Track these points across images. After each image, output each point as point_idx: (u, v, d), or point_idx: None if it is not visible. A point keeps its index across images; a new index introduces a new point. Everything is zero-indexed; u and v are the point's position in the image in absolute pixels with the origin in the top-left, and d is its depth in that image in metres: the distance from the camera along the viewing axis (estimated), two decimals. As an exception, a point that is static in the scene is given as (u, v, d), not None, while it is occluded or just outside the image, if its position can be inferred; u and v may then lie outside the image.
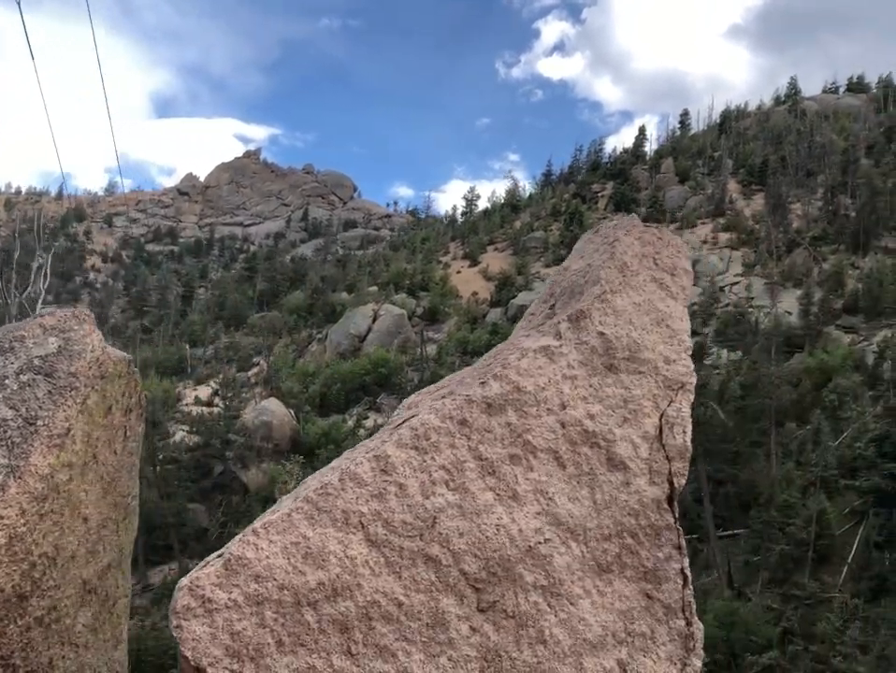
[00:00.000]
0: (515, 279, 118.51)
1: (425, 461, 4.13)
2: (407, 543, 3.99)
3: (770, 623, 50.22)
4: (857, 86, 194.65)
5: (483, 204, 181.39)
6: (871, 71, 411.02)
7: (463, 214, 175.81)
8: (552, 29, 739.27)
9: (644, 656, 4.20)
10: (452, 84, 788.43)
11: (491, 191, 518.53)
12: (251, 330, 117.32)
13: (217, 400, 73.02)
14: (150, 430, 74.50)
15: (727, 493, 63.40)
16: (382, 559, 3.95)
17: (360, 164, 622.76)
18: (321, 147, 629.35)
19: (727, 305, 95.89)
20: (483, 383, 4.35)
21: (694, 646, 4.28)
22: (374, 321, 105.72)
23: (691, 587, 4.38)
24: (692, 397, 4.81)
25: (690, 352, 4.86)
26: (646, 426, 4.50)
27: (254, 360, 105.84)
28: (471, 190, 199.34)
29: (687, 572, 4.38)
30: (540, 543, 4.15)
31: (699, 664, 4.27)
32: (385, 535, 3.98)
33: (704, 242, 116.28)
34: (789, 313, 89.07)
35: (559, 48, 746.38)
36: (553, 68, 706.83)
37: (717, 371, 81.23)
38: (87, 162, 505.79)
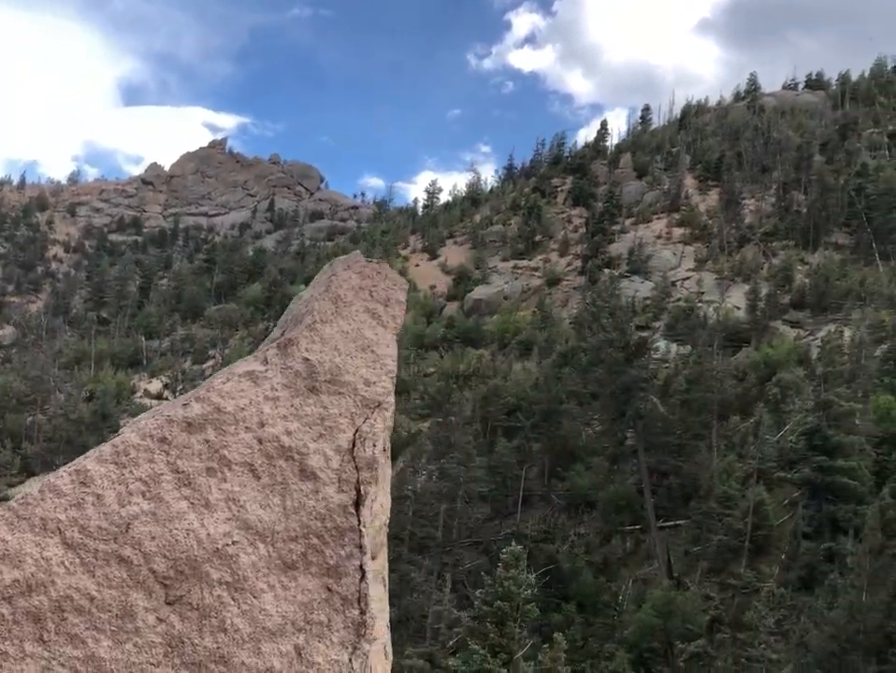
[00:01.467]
0: (473, 272, 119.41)
1: (123, 474, 4.75)
2: (101, 546, 4.62)
3: (706, 612, 51.56)
4: (815, 83, 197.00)
5: (445, 197, 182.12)
6: (836, 67, 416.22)
7: (425, 207, 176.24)
8: (523, 21, 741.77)
9: (319, 641, 4.86)
10: (423, 75, 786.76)
11: (453, 184, 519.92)
12: (207, 322, 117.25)
13: (167, 393, 73.02)
14: (100, 423, 74.61)
15: (670, 484, 64.68)
16: (77, 559, 4.58)
17: (330, 155, 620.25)
18: (291, 136, 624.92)
19: (678, 299, 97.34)
20: (185, 405, 4.99)
21: (365, 632, 4.95)
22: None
23: (368, 581, 5.03)
24: (388, 414, 5.44)
25: (392, 375, 5.48)
26: (340, 441, 5.14)
27: (210, 353, 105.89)
28: (433, 183, 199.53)
29: (366, 568, 5.03)
30: (227, 545, 4.80)
31: (368, 647, 4.94)
32: (81, 538, 4.60)
33: (659, 237, 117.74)
34: (738, 308, 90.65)
35: (530, 40, 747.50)
36: (524, 60, 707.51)
37: (667, 365, 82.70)
38: (54, 150, 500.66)
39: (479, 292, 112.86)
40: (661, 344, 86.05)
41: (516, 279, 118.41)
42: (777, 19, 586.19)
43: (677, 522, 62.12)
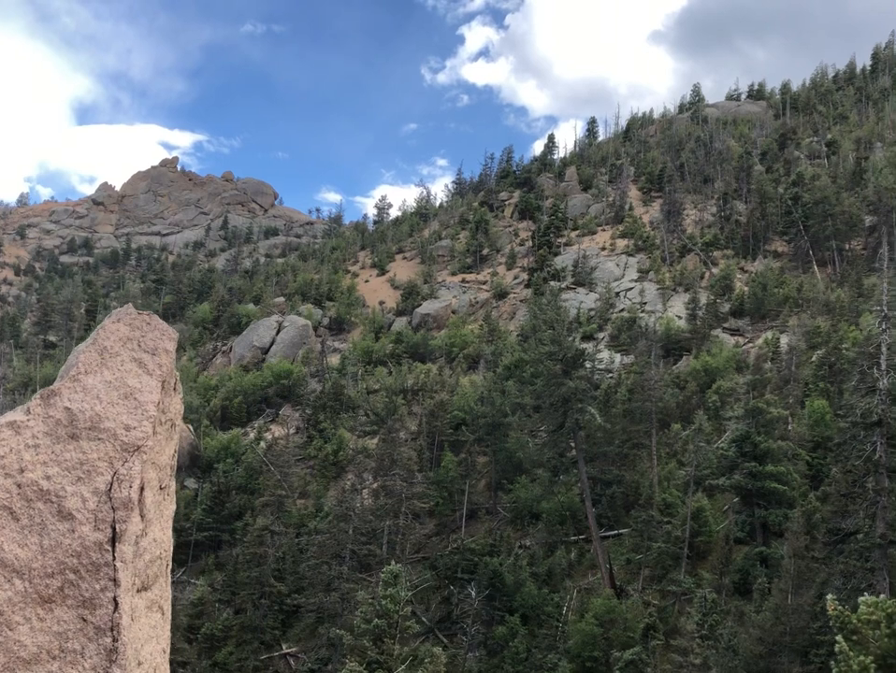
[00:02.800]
0: (421, 287, 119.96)
1: None
2: None
3: (645, 620, 52.30)
4: (757, 93, 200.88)
5: (395, 212, 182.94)
6: (784, 74, 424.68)
7: (375, 223, 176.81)
8: (476, 35, 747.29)
9: (72, 668, 5.33)
10: (378, 89, 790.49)
11: (403, 199, 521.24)
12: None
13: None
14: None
15: (613, 494, 65.43)
16: None
17: (287, 170, 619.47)
18: (247, 152, 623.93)
19: (621, 310, 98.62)
20: (-51, 455, 5.46)
21: (117, 658, 5.43)
22: (278, 332, 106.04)
23: (122, 611, 5.50)
24: (147, 457, 5.91)
25: (153, 419, 5.94)
26: (98, 483, 5.62)
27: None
28: (383, 199, 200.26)
29: (120, 600, 5.50)
30: (-17, 583, 5.26)
31: (119, 672, 5.42)
32: None
33: (603, 249, 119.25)
34: (680, 317, 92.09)
35: (484, 53, 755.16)
36: (478, 74, 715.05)
37: (611, 375, 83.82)
38: (5, 171, 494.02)
39: (427, 306, 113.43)
40: (605, 354, 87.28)
41: (464, 292, 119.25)
42: (727, 28, 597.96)
43: (620, 531, 62.86)
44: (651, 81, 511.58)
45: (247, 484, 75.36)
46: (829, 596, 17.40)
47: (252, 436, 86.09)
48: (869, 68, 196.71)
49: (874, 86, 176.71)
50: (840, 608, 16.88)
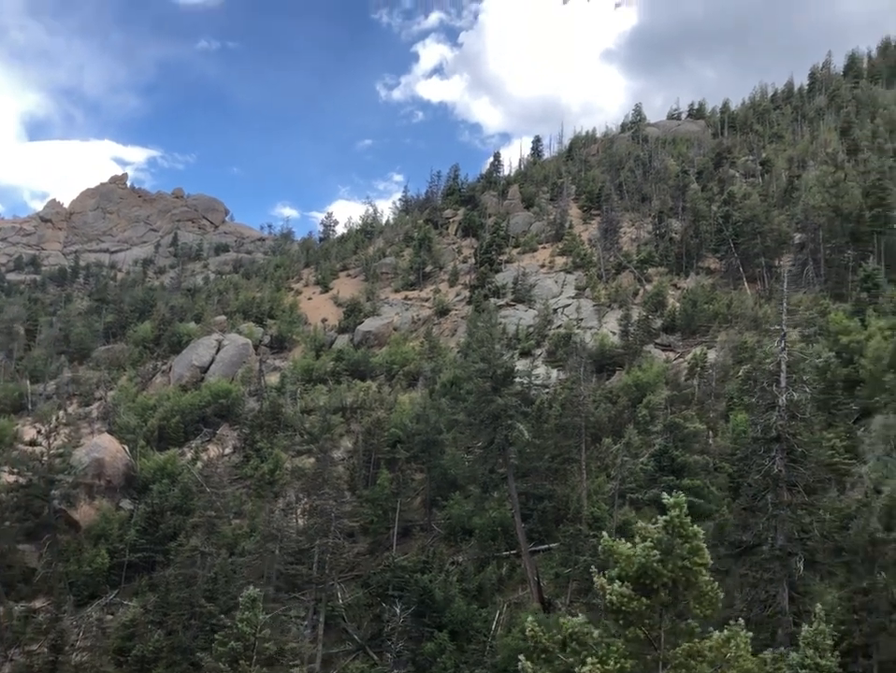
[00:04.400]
0: (364, 305, 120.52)
1: None
2: None
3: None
4: (697, 112, 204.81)
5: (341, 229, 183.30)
6: (730, 94, 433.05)
7: (321, 240, 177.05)
8: (430, 52, 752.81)
9: None
10: (333, 106, 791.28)
11: (348, 216, 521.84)
12: (95, 364, 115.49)
13: (40, 438, 72.02)
14: (-26, 471, 72.98)
15: (544, 508, 66.30)
16: None
17: (241, 186, 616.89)
18: (201, 168, 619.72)
19: (559, 326, 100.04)
20: None
21: None
22: (218, 351, 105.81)
23: None
24: None
25: None
26: None
27: (97, 394, 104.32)
28: (329, 215, 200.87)
29: None
30: None
31: None
32: None
33: (543, 266, 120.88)
34: (614, 333, 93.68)
35: (438, 70, 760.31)
36: (433, 91, 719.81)
37: (547, 390, 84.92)
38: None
39: (369, 324, 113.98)
40: (542, 370, 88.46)
41: (407, 310, 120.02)
42: (677, 47, 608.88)
43: (550, 546, 63.71)
44: (603, 99, 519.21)
45: (182, 505, 75.04)
46: (529, 618, 18.81)
47: (189, 456, 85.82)
48: (806, 88, 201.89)
49: (811, 105, 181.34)
50: (536, 628, 18.39)
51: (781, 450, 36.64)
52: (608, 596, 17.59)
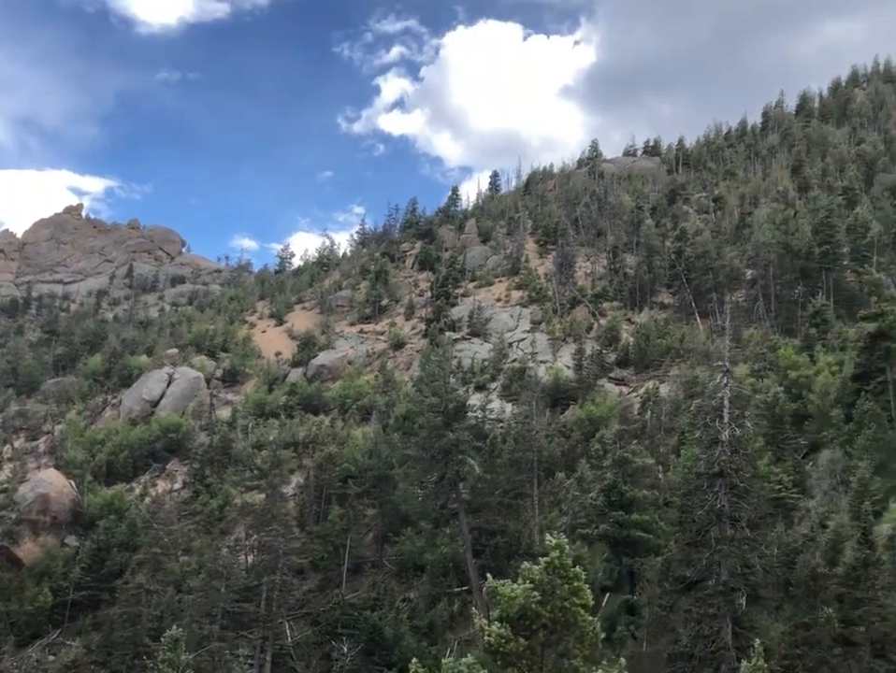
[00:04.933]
0: (318, 338, 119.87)
1: None
2: None
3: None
4: (653, 149, 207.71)
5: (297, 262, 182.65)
6: (686, 130, 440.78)
7: (276, 272, 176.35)
8: (392, 86, 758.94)
9: None
10: (294, 138, 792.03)
11: (304, 249, 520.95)
12: (44, 397, 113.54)
13: (-17, 476, 70.67)
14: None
15: (497, 544, 65.92)
16: None
17: (200, 217, 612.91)
18: (160, 199, 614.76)
19: (514, 360, 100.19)
20: None
21: None
22: (169, 384, 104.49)
23: None
24: None
25: None
26: None
27: (44, 428, 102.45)
28: (285, 248, 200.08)
29: None
30: None
31: None
32: None
33: (498, 300, 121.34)
34: (568, 367, 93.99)
35: (399, 104, 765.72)
36: (394, 124, 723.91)
37: (501, 425, 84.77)
38: None
39: (323, 357, 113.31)
40: (496, 404, 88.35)
41: (362, 343, 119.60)
42: (634, 85, 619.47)
43: (503, 582, 63.24)
44: (563, 134, 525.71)
45: (129, 541, 73.59)
46: (413, 660, 18.93)
47: (137, 491, 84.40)
48: (759, 126, 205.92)
49: (763, 143, 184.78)
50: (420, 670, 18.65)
51: (724, 485, 36.75)
52: (486, 637, 17.50)
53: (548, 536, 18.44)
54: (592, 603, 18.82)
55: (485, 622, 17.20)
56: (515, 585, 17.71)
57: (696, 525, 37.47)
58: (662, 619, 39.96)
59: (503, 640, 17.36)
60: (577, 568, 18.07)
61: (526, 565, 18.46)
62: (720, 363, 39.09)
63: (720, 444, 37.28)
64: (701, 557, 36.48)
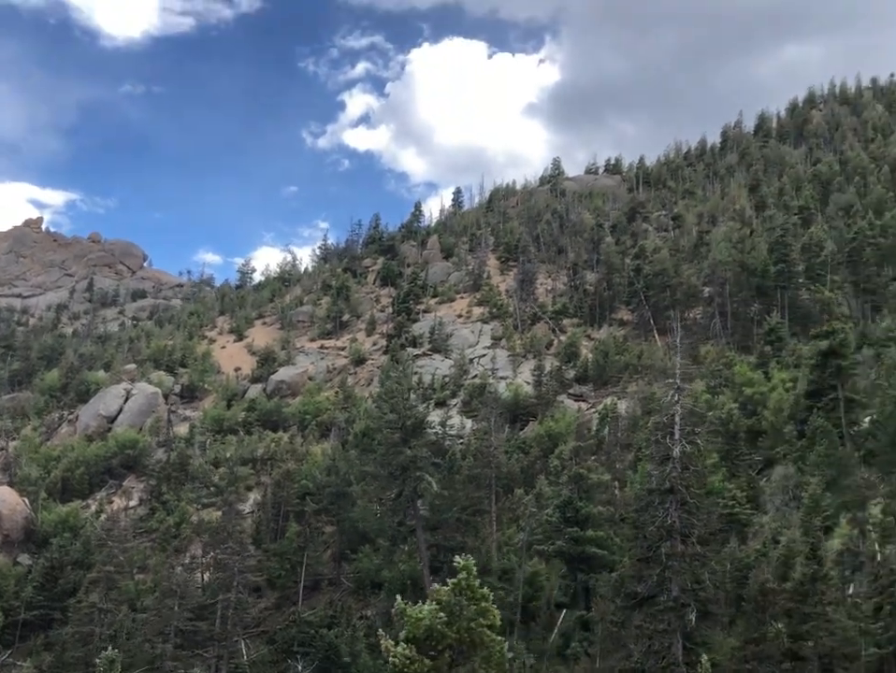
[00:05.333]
0: (279, 354, 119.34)
1: None
2: None
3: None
4: (614, 167, 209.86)
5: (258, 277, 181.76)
6: (650, 149, 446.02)
7: (237, 287, 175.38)
8: (357, 102, 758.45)
9: None
10: (258, 153, 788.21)
11: (266, 264, 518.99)
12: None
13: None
14: None
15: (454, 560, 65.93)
16: None
17: (163, 231, 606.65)
18: (122, 212, 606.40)
19: (474, 376, 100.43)
20: None
21: None
22: (126, 400, 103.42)
23: None
24: None
25: None
26: None
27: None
28: (246, 263, 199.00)
29: None
30: None
31: None
32: None
33: (460, 316, 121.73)
34: (528, 383, 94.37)
35: (365, 120, 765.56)
36: (359, 139, 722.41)
37: (461, 441, 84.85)
38: None
39: (283, 373, 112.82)
40: (456, 420, 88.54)
41: (322, 359, 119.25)
42: (597, 103, 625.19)
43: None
44: (527, 151, 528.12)
45: (84, 559, 72.63)
46: None
47: (93, 508, 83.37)
48: (719, 146, 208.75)
49: (722, 163, 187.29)
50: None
51: (675, 501, 37.09)
52: (391, 659, 17.59)
53: (457, 558, 18.64)
54: (500, 623, 19.01)
55: (391, 643, 17.28)
56: (423, 606, 17.82)
57: (647, 541, 37.76)
58: (614, 635, 40.14)
59: (408, 661, 17.44)
60: (485, 590, 18.27)
61: (435, 586, 18.60)
62: (672, 380, 39.53)
63: (671, 460, 37.65)
64: (652, 573, 36.74)
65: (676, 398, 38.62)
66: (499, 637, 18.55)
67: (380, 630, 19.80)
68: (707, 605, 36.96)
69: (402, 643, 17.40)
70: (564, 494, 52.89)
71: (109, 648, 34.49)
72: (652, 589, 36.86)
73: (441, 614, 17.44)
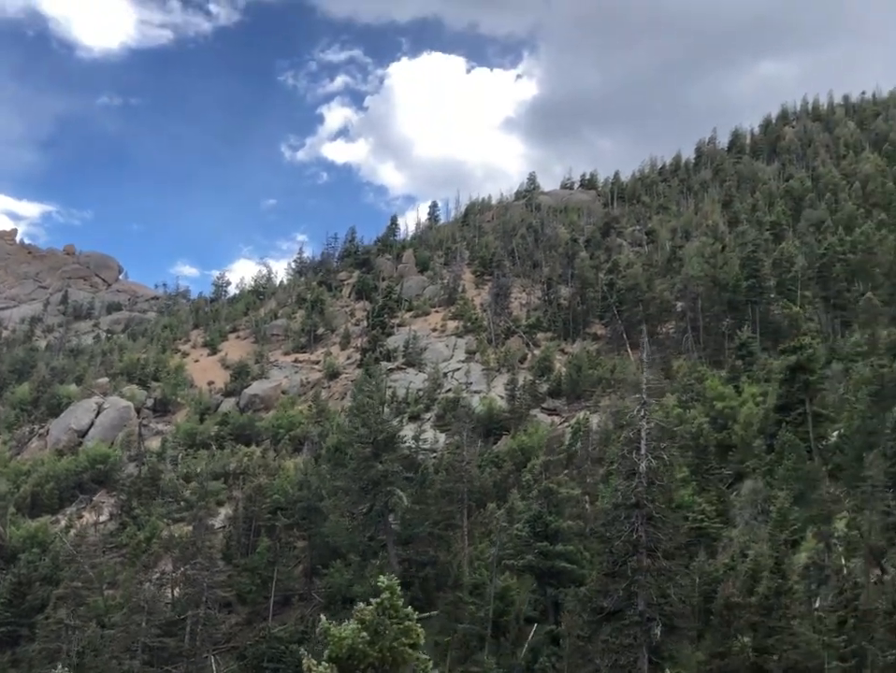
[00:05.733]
0: (252, 367, 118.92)
1: None
2: None
3: (446, 703, 52.48)
4: (589, 182, 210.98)
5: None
6: (627, 164, 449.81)
7: (211, 300, 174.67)
8: (336, 115, 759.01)
9: None
10: (236, 165, 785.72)
11: (240, 277, 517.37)
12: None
13: None
14: None
15: (426, 575, 65.80)
16: None
17: (141, 243, 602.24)
18: (98, 224, 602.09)
19: (448, 390, 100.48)
20: None
21: None
22: (98, 414, 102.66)
23: None
24: None
25: None
26: None
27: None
28: (221, 276, 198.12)
29: None
30: None
31: None
32: None
33: (434, 330, 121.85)
34: (502, 397, 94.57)
35: (343, 133, 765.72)
36: (337, 152, 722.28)
37: (435, 455, 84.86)
38: None
39: (256, 387, 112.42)
40: (430, 434, 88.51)
41: (296, 372, 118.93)
42: (575, 118, 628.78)
43: (430, 613, 62.99)
44: (506, 165, 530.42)
45: (52, 575, 71.91)
46: None
47: (63, 523, 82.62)
48: (693, 161, 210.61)
49: (696, 178, 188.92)
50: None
51: (641, 516, 37.33)
52: None
53: (381, 578, 18.78)
54: (423, 641, 19.17)
55: (313, 662, 17.34)
56: (347, 625, 17.92)
57: (613, 556, 37.96)
58: (581, 649, 40.26)
59: (329, 681, 17.46)
60: (409, 609, 18.45)
61: (360, 605, 18.74)
62: (639, 395, 39.82)
63: (638, 475, 37.91)
64: (619, 588, 36.92)
65: (643, 413, 38.90)
66: (424, 656, 18.66)
67: (302, 649, 19.83)
68: (673, 619, 37.21)
69: (324, 662, 17.41)
70: (534, 509, 52.98)
71: (59, 666, 34.16)
72: (618, 603, 37.07)
73: (364, 634, 17.51)
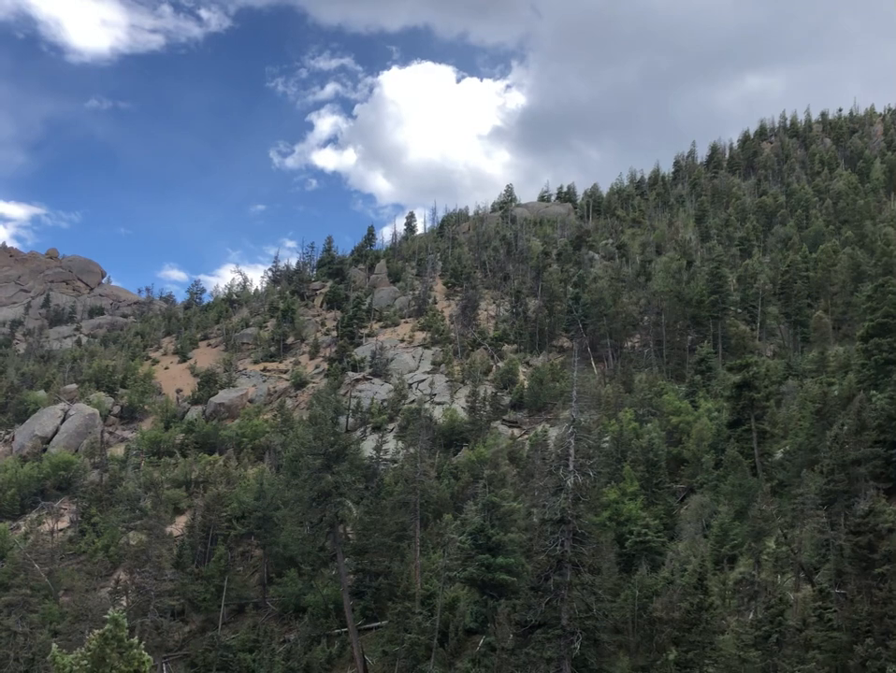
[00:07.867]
0: (220, 375, 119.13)
1: None
2: None
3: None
4: (566, 195, 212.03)
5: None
6: (614, 175, 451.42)
7: (186, 308, 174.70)
8: (325, 122, 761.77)
9: None
10: (225, 170, 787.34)
11: (215, 285, 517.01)
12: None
13: None
14: None
15: (379, 585, 66.30)
16: None
17: (128, 247, 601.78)
18: (87, 227, 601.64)
19: (412, 401, 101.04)
20: None
21: None
22: (63, 421, 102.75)
23: None
24: None
25: None
26: None
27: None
28: (196, 284, 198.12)
29: None
30: None
31: None
32: None
33: (402, 340, 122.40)
34: (464, 409, 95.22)
35: (333, 140, 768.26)
36: (327, 160, 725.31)
37: (395, 465, 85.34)
38: None
39: (222, 395, 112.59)
40: (392, 445, 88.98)
41: (264, 381, 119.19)
42: (563, 128, 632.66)
43: (381, 623, 63.61)
44: (494, 174, 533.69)
45: (9, 582, 72.07)
46: None
47: (23, 529, 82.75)
48: (671, 175, 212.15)
49: (673, 192, 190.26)
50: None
51: (567, 531, 38.00)
52: None
53: (110, 612, 19.81)
54: (147, 668, 20.18)
55: None
56: (72, 654, 18.90)
57: (539, 570, 38.62)
58: (507, 662, 40.88)
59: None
60: (134, 640, 19.56)
61: (92, 633, 19.84)
62: (568, 412, 40.53)
63: (564, 491, 38.61)
64: (542, 602, 37.57)
65: (571, 430, 39.64)
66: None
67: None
68: (596, 633, 37.88)
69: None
70: (475, 522, 53.64)
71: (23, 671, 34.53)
72: (542, 617, 37.73)
73: (84, 662, 18.34)
